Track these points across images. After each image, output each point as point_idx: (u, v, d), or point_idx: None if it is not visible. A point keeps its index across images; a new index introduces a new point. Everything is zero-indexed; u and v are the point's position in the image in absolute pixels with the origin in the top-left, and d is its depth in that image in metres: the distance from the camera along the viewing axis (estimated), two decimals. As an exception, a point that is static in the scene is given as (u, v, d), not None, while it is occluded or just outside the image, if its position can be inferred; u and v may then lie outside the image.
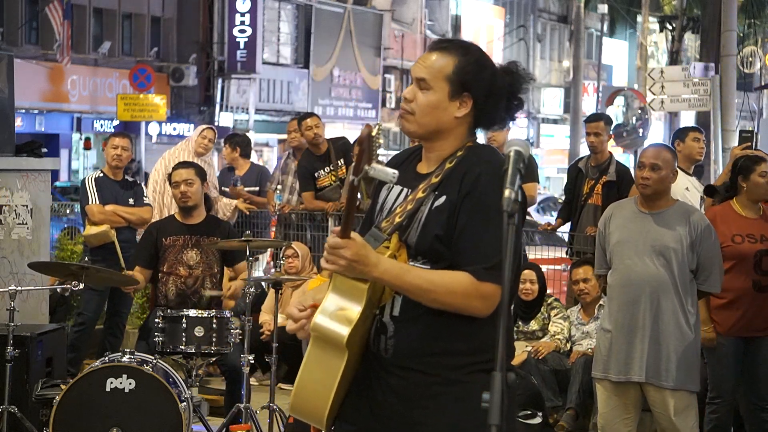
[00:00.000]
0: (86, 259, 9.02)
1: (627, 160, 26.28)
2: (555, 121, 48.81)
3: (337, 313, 3.26)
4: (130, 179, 9.23)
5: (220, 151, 13.28)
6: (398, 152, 3.74)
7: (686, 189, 7.76)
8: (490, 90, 3.39)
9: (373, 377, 3.39)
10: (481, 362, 3.31)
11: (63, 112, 27.82)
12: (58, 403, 6.29)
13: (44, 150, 8.37)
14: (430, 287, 3.27)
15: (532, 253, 10.55)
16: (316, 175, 10.25)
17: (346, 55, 35.49)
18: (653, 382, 5.99)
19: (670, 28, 33.66)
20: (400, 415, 3.36)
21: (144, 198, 9.12)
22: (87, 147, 28.75)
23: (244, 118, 31.96)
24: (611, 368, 6.07)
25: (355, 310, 3.25)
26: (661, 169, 5.99)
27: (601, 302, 7.91)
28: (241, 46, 30.61)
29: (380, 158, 3.36)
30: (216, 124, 28.50)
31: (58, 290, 8.59)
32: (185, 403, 6.39)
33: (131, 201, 8.98)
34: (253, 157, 12.48)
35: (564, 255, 10.32)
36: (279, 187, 10.74)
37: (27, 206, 8.11)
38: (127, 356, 6.46)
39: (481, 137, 3.56)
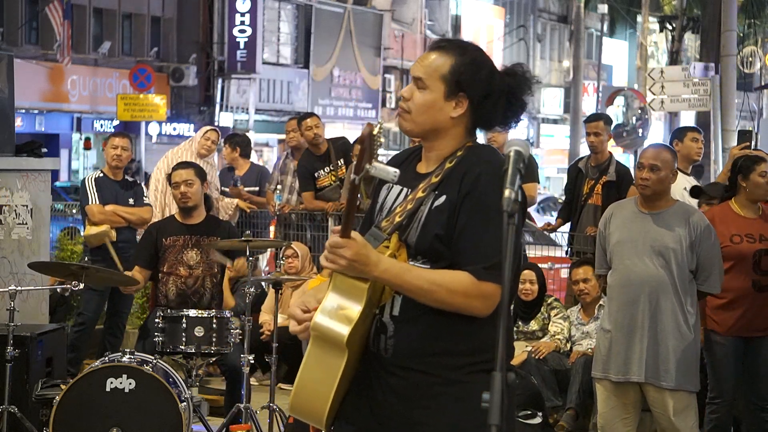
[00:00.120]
0: (86, 259, 9.02)
1: (627, 160, 26.27)
2: (555, 121, 48.81)
3: (337, 312, 3.26)
4: (130, 179, 9.23)
5: (220, 151, 13.26)
6: (398, 152, 3.74)
7: (684, 189, 7.76)
8: (487, 90, 3.37)
9: (373, 377, 3.39)
10: (481, 362, 3.31)
11: (63, 112, 27.81)
12: (58, 403, 6.29)
13: (44, 150, 8.37)
14: (430, 287, 3.26)
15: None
16: (316, 175, 10.24)
17: (346, 55, 35.48)
18: (653, 382, 5.99)
19: (670, 28, 33.66)
20: (400, 415, 3.36)
21: (144, 198, 9.13)
22: (87, 147, 28.74)
23: (244, 118, 31.95)
24: (611, 368, 6.07)
25: (355, 309, 3.25)
26: (660, 170, 5.99)
27: (601, 302, 7.91)
28: (241, 46, 30.61)
29: (380, 158, 3.35)
30: (216, 124, 28.49)
31: (58, 290, 8.59)
32: (185, 403, 6.39)
33: (131, 201, 8.99)
34: (253, 157, 12.48)
35: (552, 254, 10.34)
36: (278, 187, 10.74)
37: (27, 206, 8.11)
38: (127, 356, 6.46)
39: (481, 137, 3.56)
